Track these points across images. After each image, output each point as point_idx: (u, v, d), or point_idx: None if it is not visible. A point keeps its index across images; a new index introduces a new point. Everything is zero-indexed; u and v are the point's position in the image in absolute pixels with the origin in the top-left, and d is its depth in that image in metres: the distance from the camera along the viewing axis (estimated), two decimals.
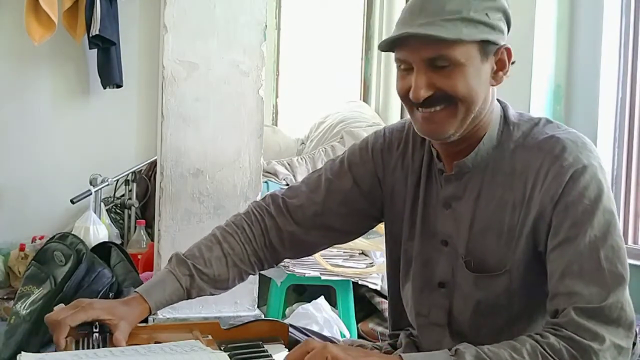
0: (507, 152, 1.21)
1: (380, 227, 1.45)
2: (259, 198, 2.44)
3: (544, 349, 1.04)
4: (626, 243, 2.68)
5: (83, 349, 1.16)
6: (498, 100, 1.25)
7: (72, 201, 3.06)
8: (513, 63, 1.22)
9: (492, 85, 1.19)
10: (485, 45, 1.15)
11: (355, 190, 1.38)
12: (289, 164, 3.49)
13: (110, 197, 3.64)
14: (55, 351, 1.16)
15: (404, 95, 1.19)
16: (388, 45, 1.18)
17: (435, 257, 1.29)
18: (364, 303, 2.87)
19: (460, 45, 1.12)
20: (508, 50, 1.18)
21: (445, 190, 1.26)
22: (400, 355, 1.06)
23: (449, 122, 1.17)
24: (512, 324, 1.20)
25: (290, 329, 1.39)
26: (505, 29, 1.18)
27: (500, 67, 1.19)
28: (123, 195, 3.55)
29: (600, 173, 1.14)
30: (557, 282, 1.10)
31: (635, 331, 1.24)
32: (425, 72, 1.14)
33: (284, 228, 1.40)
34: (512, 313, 1.21)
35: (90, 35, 3.47)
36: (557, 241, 1.12)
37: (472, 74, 1.14)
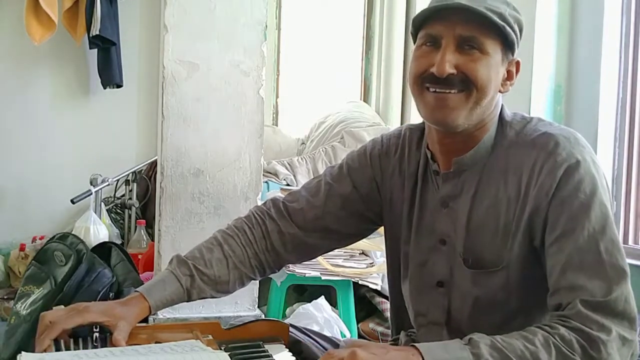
0: (502, 150, 1.23)
1: (381, 228, 1.47)
2: (259, 198, 2.45)
3: (556, 340, 1.05)
4: (626, 243, 2.69)
5: (70, 350, 1.14)
6: None
7: (72, 201, 3.05)
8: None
9: (500, 91, 1.23)
10: (507, 50, 1.20)
11: (355, 194, 1.41)
12: (289, 164, 3.48)
13: (111, 197, 3.63)
14: (35, 349, 1.14)
15: (420, 74, 1.20)
16: (423, 18, 1.19)
17: (433, 257, 1.30)
18: (364, 303, 2.87)
19: (491, 37, 1.17)
20: (518, 64, 1.25)
21: (443, 189, 1.28)
22: (415, 345, 1.06)
23: (461, 108, 1.18)
24: (510, 320, 1.21)
25: (291, 329, 1.39)
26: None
27: (509, 77, 1.24)
28: (123, 195, 3.55)
29: (593, 168, 1.15)
30: (559, 277, 1.11)
31: (637, 329, 1.24)
32: (454, 51, 1.17)
33: (286, 230, 1.42)
34: (509, 309, 1.21)
35: (91, 35, 3.47)
36: (554, 236, 1.13)
37: (493, 67, 1.18)
